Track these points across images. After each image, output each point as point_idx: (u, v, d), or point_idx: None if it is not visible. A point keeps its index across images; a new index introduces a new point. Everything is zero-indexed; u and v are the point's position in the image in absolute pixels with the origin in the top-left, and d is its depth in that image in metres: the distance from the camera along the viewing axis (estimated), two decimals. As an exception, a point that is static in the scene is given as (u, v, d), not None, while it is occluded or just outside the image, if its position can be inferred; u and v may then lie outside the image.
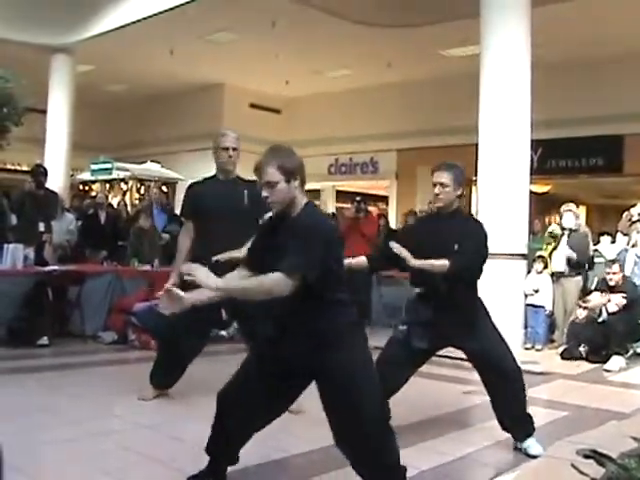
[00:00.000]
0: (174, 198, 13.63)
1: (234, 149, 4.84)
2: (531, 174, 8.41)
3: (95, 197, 11.84)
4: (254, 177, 4.94)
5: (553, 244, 8.76)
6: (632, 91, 11.40)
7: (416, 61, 12.72)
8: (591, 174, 12.91)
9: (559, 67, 11.56)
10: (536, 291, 8.45)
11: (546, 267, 8.62)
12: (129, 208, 12.60)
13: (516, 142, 7.94)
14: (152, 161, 14.22)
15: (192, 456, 3.52)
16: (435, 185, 3.95)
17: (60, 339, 7.22)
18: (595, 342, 7.56)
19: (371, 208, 15.22)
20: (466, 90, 9.06)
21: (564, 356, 7.71)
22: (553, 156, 12.77)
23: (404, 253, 3.86)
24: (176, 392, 5.00)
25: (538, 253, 8.75)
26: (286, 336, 2.89)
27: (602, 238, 9.65)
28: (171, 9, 10.87)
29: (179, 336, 4.76)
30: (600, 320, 7.56)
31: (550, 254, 8.71)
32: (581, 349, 7.65)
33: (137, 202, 13.15)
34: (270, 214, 4.95)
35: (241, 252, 4.32)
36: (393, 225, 12.95)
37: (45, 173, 8.87)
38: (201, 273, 2.73)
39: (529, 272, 8.49)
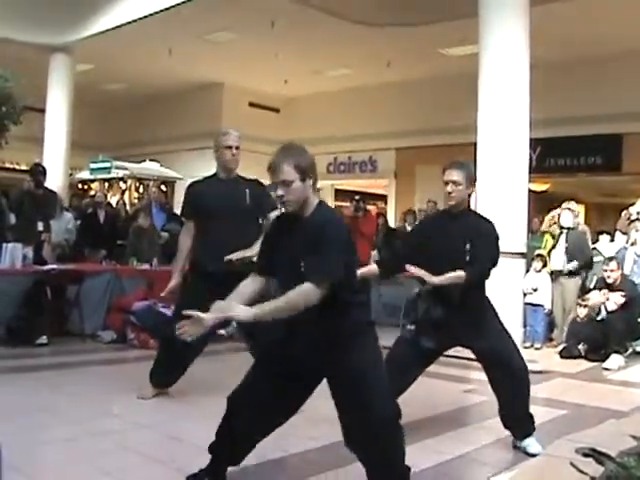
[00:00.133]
0: (173, 197, 13.63)
1: (237, 147, 4.83)
2: (530, 173, 8.39)
3: (94, 196, 11.83)
4: (253, 176, 5.01)
5: (552, 242, 8.78)
6: (631, 90, 11.39)
7: (415, 60, 12.71)
8: (590, 173, 12.91)
9: (558, 66, 11.56)
10: (535, 290, 8.46)
11: (545, 266, 8.63)
12: (128, 207, 12.60)
13: (515, 141, 7.93)
14: (151, 160, 14.21)
15: (191, 455, 3.53)
16: (447, 183, 3.94)
17: (59, 338, 7.21)
18: (594, 341, 7.57)
19: (370, 207, 15.23)
20: (465, 89, 9.04)
21: (563, 355, 7.72)
22: (552, 155, 12.77)
23: (421, 272, 3.83)
24: (175, 391, 5.01)
25: (537, 252, 8.76)
26: (298, 337, 2.88)
27: (601, 237, 9.66)
28: (170, 8, 10.85)
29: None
30: (599, 318, 7.56)
31: (549, 253, 8.72)
32: (580, 348, 7.66)
33: (136, 201, 13.15)
34: (276, 213, 4.97)
35: (252, 250, 4.33)
36: (392, 224, 12.96)
37: (44, 172, 8.86)
38: (234, 311, 2.75)
39: (528, 271, 8.50)
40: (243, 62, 13.38)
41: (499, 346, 3.95)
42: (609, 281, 7.64)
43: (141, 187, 13.56)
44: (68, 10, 12.37)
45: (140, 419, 4.41)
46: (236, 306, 2.79)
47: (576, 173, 13.06)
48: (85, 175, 14.16)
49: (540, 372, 6.58)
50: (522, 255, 8.21)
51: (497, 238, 4.01)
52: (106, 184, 13.78)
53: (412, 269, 3.83)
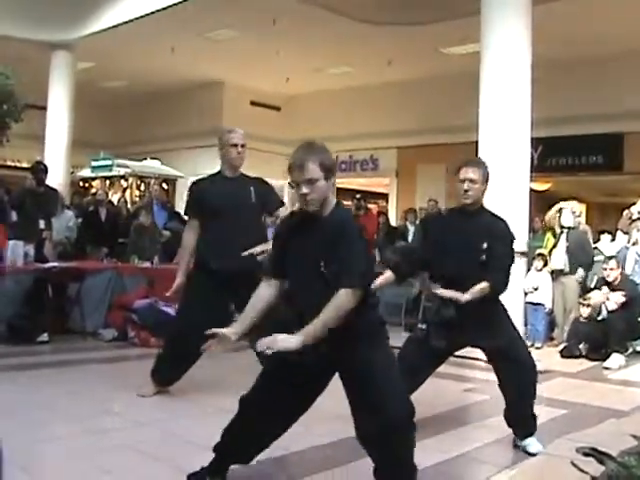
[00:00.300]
0: (174, 195, 13.64)
1: (242, 145, 4.82)
2: (531, 172, 8.40)
3: (95, 194, 11.84)
4: (254, 174, 5.00)
5: (552, 241, 8.78)
6: (632, 89, 11.39)
7: (416, 59, 12.71)
8: (591, 172, 12.91)
9: (559, 65, 11.54)
10: (536, 289, 8.46)
11: (546, 265, 8.63)
12: (129, 205, 12.61)
13: (516, 140, 7.93)
14: (152, 158, 14.22)
15: (192, 453, 3.53)
16: (464, 181, 3.94)
17: (60, 336, 7.22)
18: (595, 340, 7.57)
19: (371, 205, 15.25)
20: (466, 88, 9.05)
21: (564, 354, 7.72)
22: (553, 154, 12.76)
23: (451, 294, 3.83)
24: (176, 389, 5.00)
25: (538, 251, 8.76)
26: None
27: (602, 236, 9.65)
28: (171, 6, 10.85)
29: (189, 334, 4.75)
30: (600, 318, 7.56)
31: (550, 252, 8.72)
32: (581, 347, 7.67)
33: (137, 199, 13.16)
34: (284, 209, 4.95)
35: (269, 245, 4.33)
36: (393, 223, 12.97)
37: (45, 170, 8.86)
38: (281, 343, 2.68)
39: (529, 270, 8.49)
40: (244, 60, 13.37)
41: (510, 344, 3.97)
42: (609, 280, 7.65)
43: (142, 185, 13.57)
44: (69, 8, 12.39)
45: (140, 417, 4.41)
46: (282, 339, 2.70)
47: (577, 172, 13.06)
48: (86, 173, 14.17)
49: (540, 371, 6.57)
50: (523, 254, 8.22)
51: (512, 239, 4.06)
52: (107, 182, 13.79)
53: (442, 291, 3.85)
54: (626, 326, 7.39)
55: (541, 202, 11.68)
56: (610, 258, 8.03)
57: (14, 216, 8.39)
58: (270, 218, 5.08)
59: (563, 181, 13.90)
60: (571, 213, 8.66)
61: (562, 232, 8.65)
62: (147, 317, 7.30)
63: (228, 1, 10.65)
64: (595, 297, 7.71)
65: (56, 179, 11.52)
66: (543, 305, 8.51)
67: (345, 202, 15.04)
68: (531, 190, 8.56)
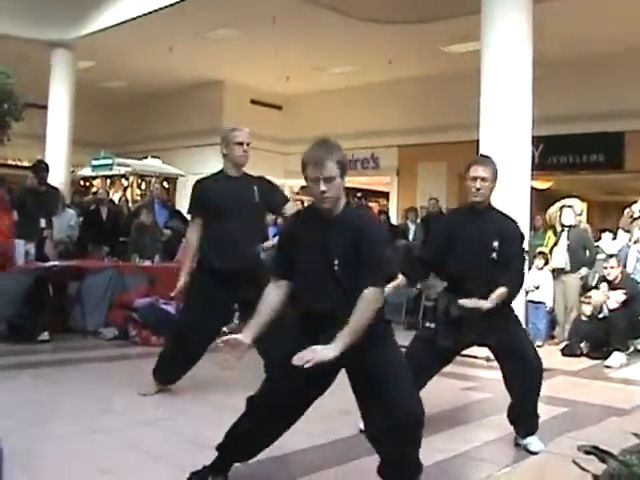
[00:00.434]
0: (175, 194, 13.64)
1: (247, 144, 4.79)
2: (532, 170, 8.39)
3: (96, 193, 11.84)
4: (256, 173, 5.00)
5: (553, 239, 8.77)
6: (633, 88, 11.38)
7: (417, 58, 12.70)
8: (592, 170, 12.91)
9: (560, 63, 11.54)
10: (537, 287, 8.45)
11: (547, 263, 8.62)
12: (130, 204, 12.60)
13: (517, 138, 7.92)
14: (153, 157, 14.21)
15: (193, 452, 3.53)
16: (475, 179, 3.94)
17: (60, 335, 7.22)
18: (596, 338, 7.57)
19: (372, 204, 15.26)
20: (467, 86, 9.03)
21: (565, 352, 7.71)
22: (554, 152, 12.75)
23: (473, 303, 3.85)
24: (176, 388, 5.01)
25: (539, 249, 8.75)
26: (323, 339, 2.81)
27: (603, 235, 9.64)
28: (171, 5, 10.85)
29: (192, 334, 4.76)
30: (601, 316, 7.56)
31: (551, 250, 8.71)
32: (582, 345, 7.66)
33: (138, 198, 13.15)
34: (290, 206, 4.94)
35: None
36: (394, 221, 12.96)
37: (47, 169, 8.87)
38: (319, 355, 2.64)
39: (530, 268, 8.49)
40: (244, 59, 13.38)
41: (517, 342, 3.99)
42: (609, 278, 7.65)
43: (143, 184, 13.55)
44: (69, 6, 12.39)
45: (142, 416, 4.41)
46: (320, 350, 2.66)
47: (578, 171, 13.06)
48: (87, 172, 14.16)
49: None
50: (524, 252, 8.21)
51: (523, 239, 4.12)
52: (108, 181, 13.78)
53: (464, 302, 3.84)
54: (627, 324, 7.38)
55: (542, 200, 11.67)
56: (611, 257, 8.02)
57: (15, 215, 8.39)
58: (272, 217, 5.08)
59: (564, 179, 13.90)
60: (572, 211, 8.65)
61: (563, 230, 8.65)
62: (148, 316, 7.30)
63: (228, 0, 10.65)
64: (596, 296, 7.71)
65: (57, 178, 11.52)
66: (544, 303, 8.50)
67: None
68: (532, 188, 8.56)
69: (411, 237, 11.50)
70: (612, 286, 7.62)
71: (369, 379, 2.81)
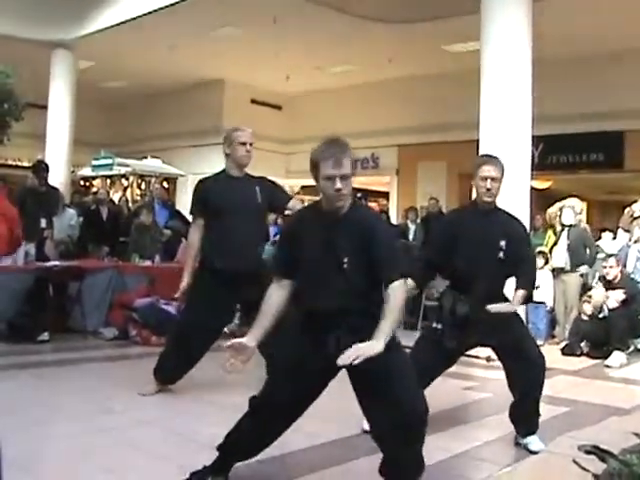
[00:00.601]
0: (175, 194, 13.64)
1: (251, 144, 4.78)
2: (532, 170, 8.40)
3: (96, 193, 11.84)
4: (255, 173, 4.99)
5: (553, 239, 8.77)
6: (633, 87, 11.38)
7: (417, 57, 12.70)
8: (592, 170, 12.91)
9: (560, 63, 11.53)
10: (537, 287, 8.43)
11: (547, 263, 8.62)
12: (130, 204, 12.60)
13: (517, 138, 7.92)
14: (153, 157, 14.21)
15: (193, 452, 3.53)
16: (486, 179, 3.94)
17: (61, 335, 7.21)
18: (596, 338, 7.57)
19: (371, 204, 15.22)
20: (467, 86, 9.04)
21: (565, 352, 7.72)
22: (554, 152, 12.75)
23: (499, 308, 3.89)
24: (177, 387, 5.01)
25: (539, 249, 8.74)
26: (327, 339, 2.83)
27: (603, 234, 9.63)
28: (171, 5, 10.84)
29: (194, 333, 4.76)
30: (601, 316, 7.56)
31: (551, 250, 8.71)
32: (582, 345, 7.66)
33: (138, 198, 13.14)
34: (294, 202, 4.92)
35: None
36: (394, 221, 12.95)
37: (47, 169, 8.87)
38: (366, 351, 2.61)
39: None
40: (244, 58, 13.37)
41: (520, 342, 3.99)
42: (608, 278, 7.65)
43: (143, 184, 13.55)
44: (70, 6, 12.38)
45: (142, 416, 4.41)
46: (367, 347, 2.63)
47: (578, 170, 13.06)
48: (87, 172, 14.15)
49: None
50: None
51: (529, 240, 4.21)
52: (108, 181, 13.77)
53: (492, 307, 3.86)
54: (627, 324, 7.39)
55: (542, 200, 11.67)
56: (610, 256, 8.02)
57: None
58: (272, 217, 5.07)
59: (564, 179, 13.90)
60: (572, 211, 8.65)
61: (563, 230, 8.65)
62: (148, 316, 7.30)
63: (228, 0, 10.65)
64: (596, 295, 7.71)
65: (57, 178, 11.53)
66: (544, 303, 8.50)
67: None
68: (532, 188, 8.56)
69: (411, 237, 11.49)
70: (611, 286, 7.62)
71: (373, 379, 2.80)
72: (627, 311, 7.41)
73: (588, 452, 1.99)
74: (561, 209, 8.73)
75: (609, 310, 7.45)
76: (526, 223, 8.15)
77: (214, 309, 4.70)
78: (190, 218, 5.16)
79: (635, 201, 8.98)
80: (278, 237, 3.33)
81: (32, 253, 7.86)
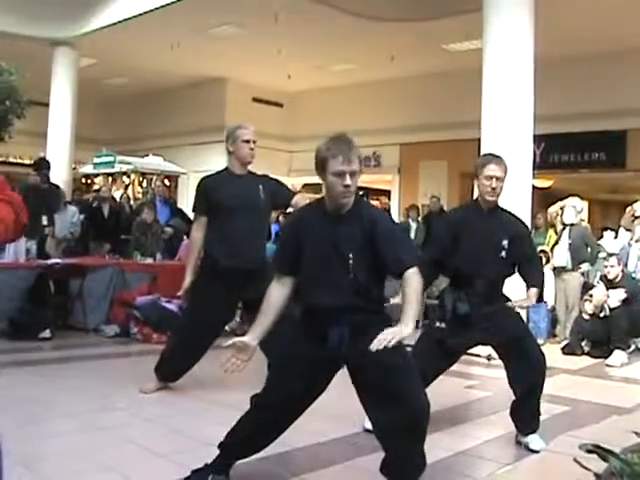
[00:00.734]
0: (176, 192, 13.63)
1: (254, 142, 4.77)
2: (534, 169, 8.39)
3: (98, 191, 11.84)
4: (257, 171, 4.99)
5: (555, 238, 8.77)
6: (635, 86, 11.37)
7: (419, 55, 12.69)
8: (594, 169, 12.90)
9: (562, 61, 11.53)
10: (538, 286, 8.44)
11: (548, 262, 8.62)
12: (132, 202, 12.60)
13: (519, 137, 7.92)
14: (154, 155, 14.21)
15: (194, 449, 3.54)
16: (490, 178, 3.94)
17: (62, 332, 7.23)
18: (597, 337, 7.57)
19: (373, 202, 15.20)
20: (469, 85, 9.03)
21: (566, 351, 7.71)
22: (556, 151, 12.75)
23: (524, 303, 4.04)
24: (178, 385, 5.01)
25: (540, 248, 8.73)
26: (329, 336, 2.83)
27: (605, 233, 9.62)
28: (174, 3, 10.84)
29: (196, 331, 4.76)
30: (602, 315, 7.56)
31: (552, 249, 8.71)
32: (583, 344, 7.66)
33: (140, 196, 13.14)
34: (298, 198, 4.92)
35: None
36: (395, 219, 12.96)
37: (49, 167, 8.88)
38: (398, 334, 2.64)
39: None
40: (246, 57, 13.37)
41: (521, 340, 3.99)
42: (609, 277, 7.64)
43: (145, 182, 13.54)
44: (71, 4, 12.38)
45: (143, 413, 4.42)
46: (395, 332, 2.65)
47: (580, 169, 13.06)
48: (89, 169, 14.14)
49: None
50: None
51: (531, 238, 4.27)
52: (110, 178, 13.77)
53: (514, 302, 3.97)
54: (628, 323, 7.38)
55: (543, 199, 11.67)
56: (611, 255, 8.01)
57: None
58: (274, 214, 5.06)
59: (565, 178, 13.89)
60: (573, 210, 8.64)
61: (564, 229, 8.64)
62: (149, 313, 7.31)
63: (230, -2, 10.67)
64: (597, 294, 7.70)
65: (59, 176, 11.53)
66: (545, 302, 8.50)
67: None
68: (533, 187, 8.55)
69: (412, 235, 11.51)
70: (613, 285, 7.62)
71: (376, 377, 2.80)
72: (628, 310, 7.40)
73: (589, 451, 2.00)
74: (562, 208, 8.73)
75: (610, 309, 7.45)
76: (527, 222, 8.18)
77: (216, 307, 4.70)
78: (192, 216, 5.15)
79: (637, 200, 8.98)
80: (279, 235, 3.32)
81: (33, 250, 7.87)
